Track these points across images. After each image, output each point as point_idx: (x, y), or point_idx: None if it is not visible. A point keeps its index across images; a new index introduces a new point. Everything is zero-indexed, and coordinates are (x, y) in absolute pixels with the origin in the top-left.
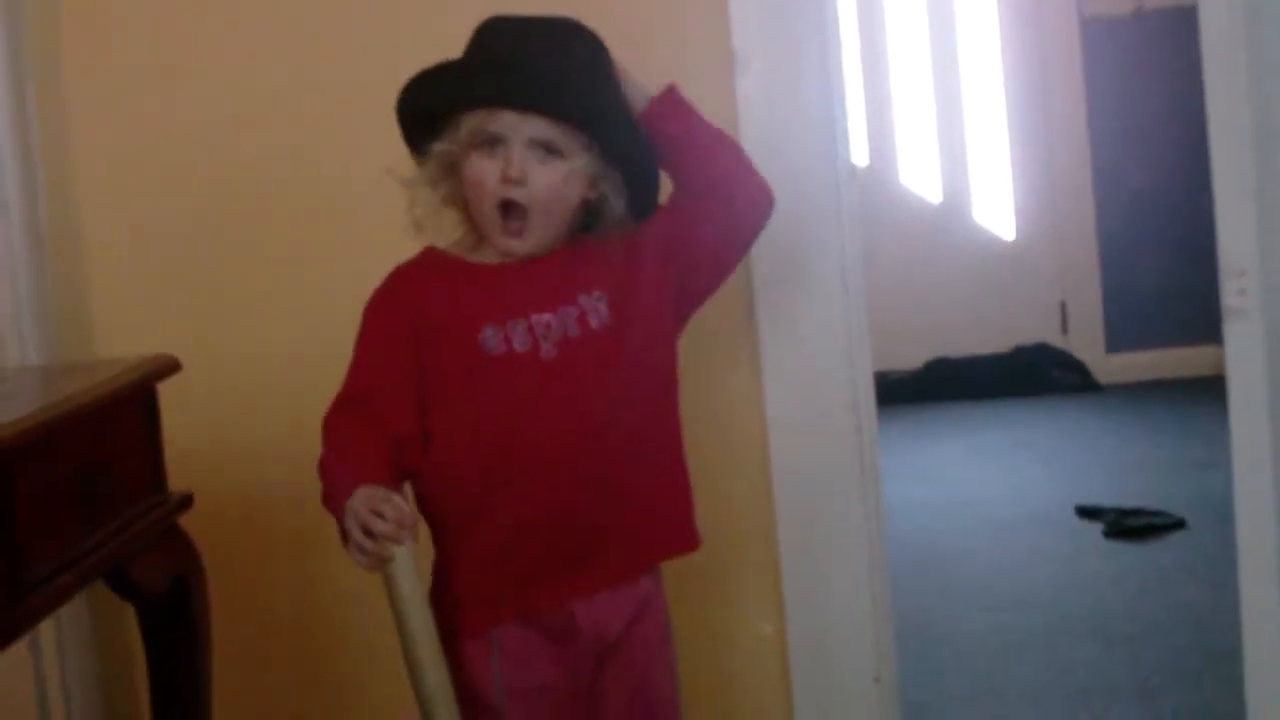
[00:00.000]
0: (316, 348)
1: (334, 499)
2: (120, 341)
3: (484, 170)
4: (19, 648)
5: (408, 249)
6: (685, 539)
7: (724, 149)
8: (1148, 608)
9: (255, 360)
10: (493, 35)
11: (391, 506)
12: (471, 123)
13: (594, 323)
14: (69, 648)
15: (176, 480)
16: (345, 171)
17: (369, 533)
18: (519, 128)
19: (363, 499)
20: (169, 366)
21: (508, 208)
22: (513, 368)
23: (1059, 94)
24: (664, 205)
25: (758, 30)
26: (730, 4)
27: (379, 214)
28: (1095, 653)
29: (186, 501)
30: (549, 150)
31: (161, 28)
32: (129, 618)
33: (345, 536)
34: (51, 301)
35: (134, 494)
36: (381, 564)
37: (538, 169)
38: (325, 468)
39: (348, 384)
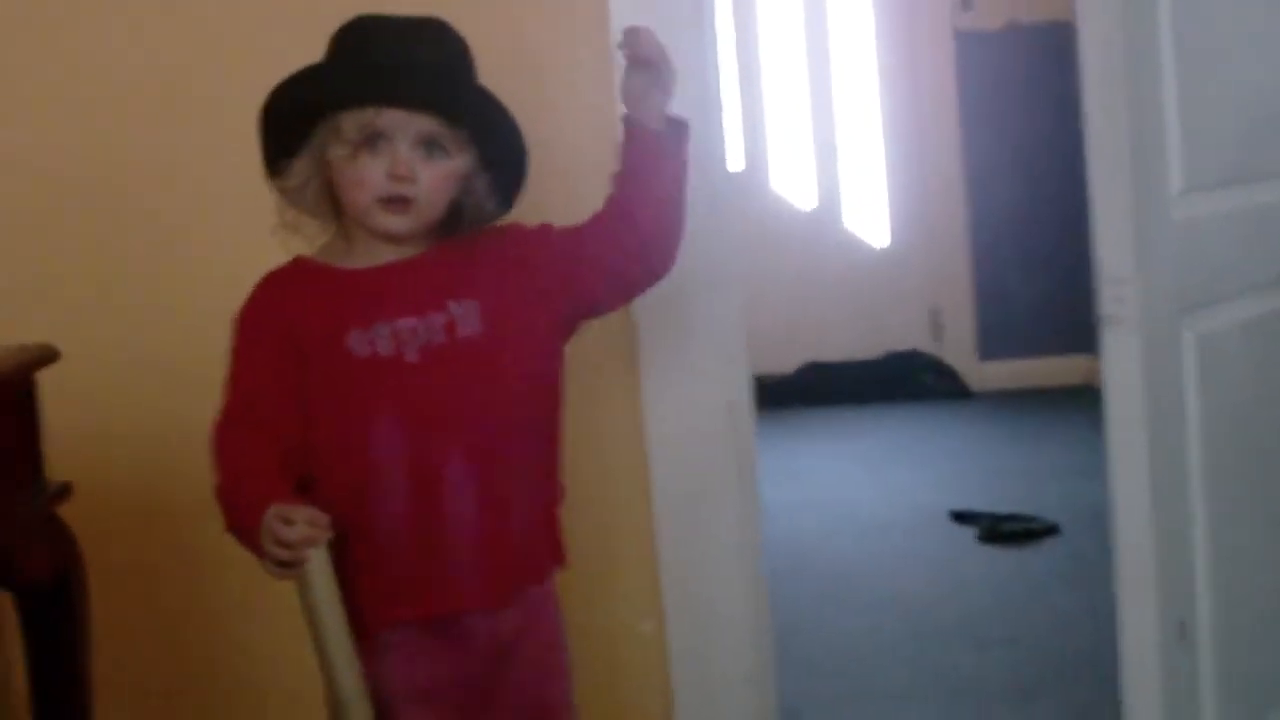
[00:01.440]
0: (192, 338)
1: (243, 521)
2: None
3: (367, 167)
4: None
5: (274, 240)
6: (558, 555)
7: (678, 201)
8: (1022, 611)
9: (133, 350)
10: (367, 34)
11: (300, 512)
12: (359, 120)
13: (463, 330)
14: None
15: (55, 469)
16: (222, 164)
17: (282, 543)
18: (406, 125)
19: (271, 514)
20: (48, 355)
21: (394, 201)
22: (376, 372)
23: (932, 104)
24: (570, 226)
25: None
26: (610, 3)
27: (244, 203)
28: (970, 656)
29: (65, 491)
30: (432, 148)
31: (36, 19)
32: (3, 613)
33: (259, 553)
34: None
35: (11, 484)
36: (297, 570)
37: (423, 166)
38: (226, 491)
39: (230, 398)
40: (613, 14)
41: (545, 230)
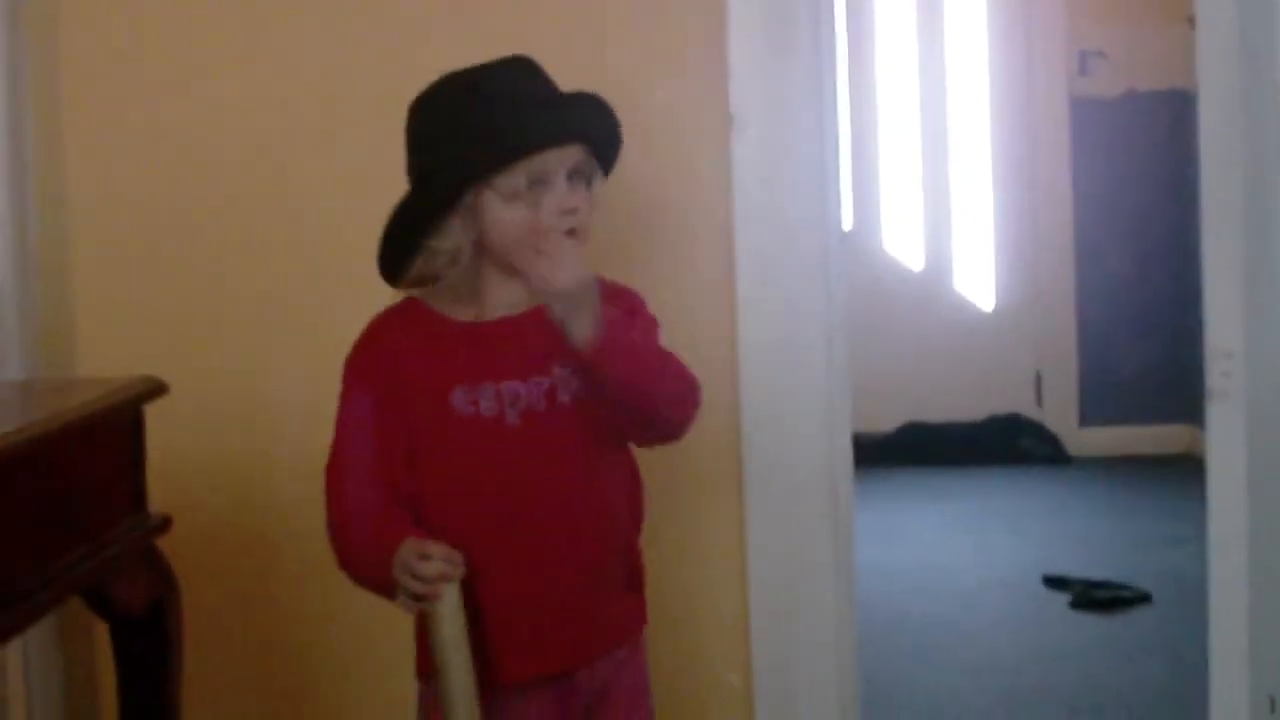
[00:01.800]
0: (301, 373)
1: (368, 555)
2: (103, 361)
3: (531, 213)
4: None
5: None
6: (644, 615)
7: (651, 391)
8: (1111, 679)
9: (239, 383)
10: (479, 87)
11: (437, 548)
12: (527, 166)
13: (562, 397)
14: (35, 666)
15: (158, 501)
16: (338, 200)
17: (417, 577)
18: (560, 161)
19: (407, 548)
20: (156, 389)
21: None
22: (478, 432)
23: (1045, 169)
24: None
25: (755, 93)
26: (730, 65)
27: (369, 241)
28: None
29: (165, 524)
30: (576, 178)
31: (157, 49)
32: (97, 638)
33: (386, 592)
34: (37, 319)
35: (113, 514)
36: (430, 604)
37: (579, 198)
38: (343, 528)
39: (341, 446)
40: (732, 79)
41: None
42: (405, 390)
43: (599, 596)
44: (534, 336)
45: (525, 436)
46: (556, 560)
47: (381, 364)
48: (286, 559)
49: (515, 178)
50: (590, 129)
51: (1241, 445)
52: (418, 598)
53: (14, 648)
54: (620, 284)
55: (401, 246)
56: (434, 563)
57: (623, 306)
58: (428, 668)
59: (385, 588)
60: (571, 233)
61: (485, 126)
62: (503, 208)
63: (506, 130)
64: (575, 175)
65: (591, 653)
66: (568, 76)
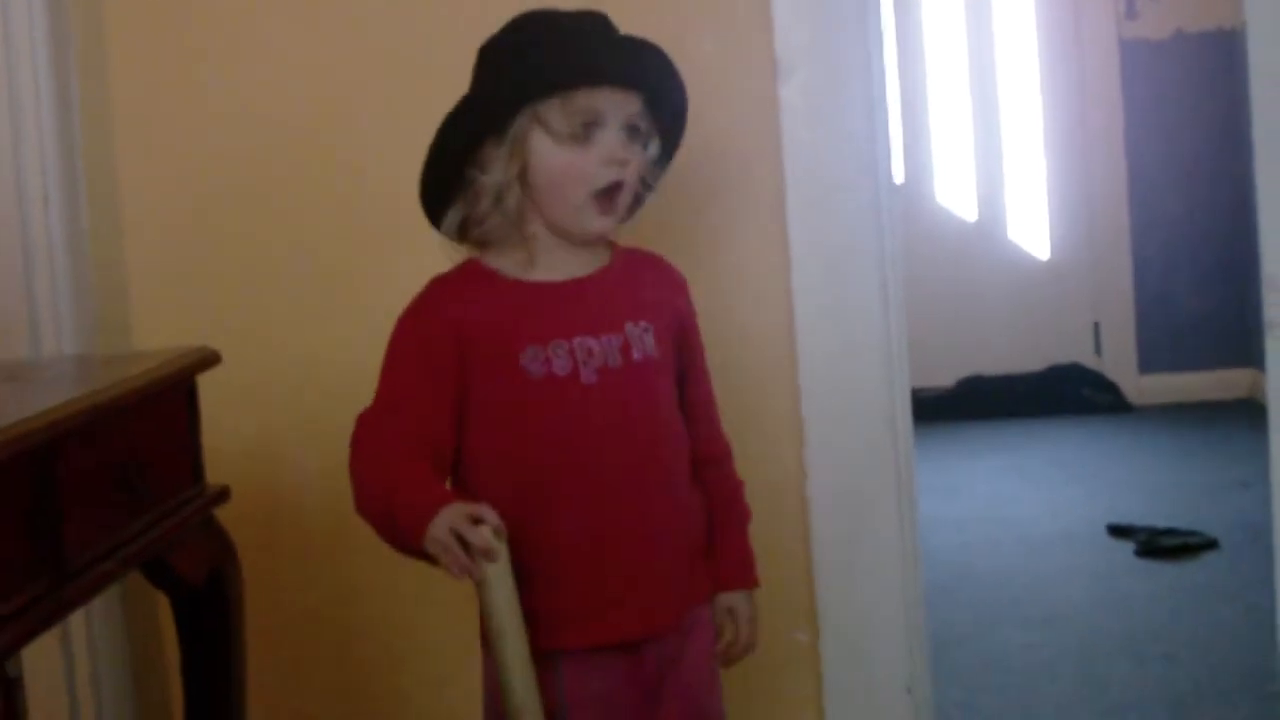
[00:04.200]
0: (354, 343)
1: (413, 520)
2: (157, 334)
3: (584, 158)
4: (48, 638)
5: (449, 247)
6: (708, 582)
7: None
8: (1181, 627)
9: (292, 354)
10: (556, 21)
11: (490, 515)
12: (578, 105)
13: (636, 354)
14: (99, 638)
15: (212, 473)
16: (390, 167)
17: (465, 544)
18: (619, 109)
19: (455, 512)
20: (210, 359)
21: (610, 191)
22: (553, 392)
23: (1097, 114)
24: (702, 373)
25: (801, 39)
26: (774, 11)
27: (409, 204)
28: (1128, 670)
29: (223, 494)
30: (634, 133)
31: (205, 21)
32: (159, 610)
33: (423, 555)
34: (91, 293)
35: (172, 486)
36: (477, 572)
37: (631, 154)
38: (378, 494)
39: (383, 396)
40: (777, 24)
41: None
42: (463, 349)
43: (675, 560)
44: (602, 295)
45: (603, 393)
46: (633, 521)
47: (438, 322)
48: (338, 528)
49: (568, 116)
50: (651, 79)
51: None
52: (462, 566)
53: (78, 623)
54: (670, 267)
55: (443, 172)
56: (483, 531)
57: (681, 299)
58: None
59: (397, 541)
60: (613, 190)
61: (544, 53)
62: (551, 146)
63: (564, 61)
64: (632, 131)
65: (665, 619)
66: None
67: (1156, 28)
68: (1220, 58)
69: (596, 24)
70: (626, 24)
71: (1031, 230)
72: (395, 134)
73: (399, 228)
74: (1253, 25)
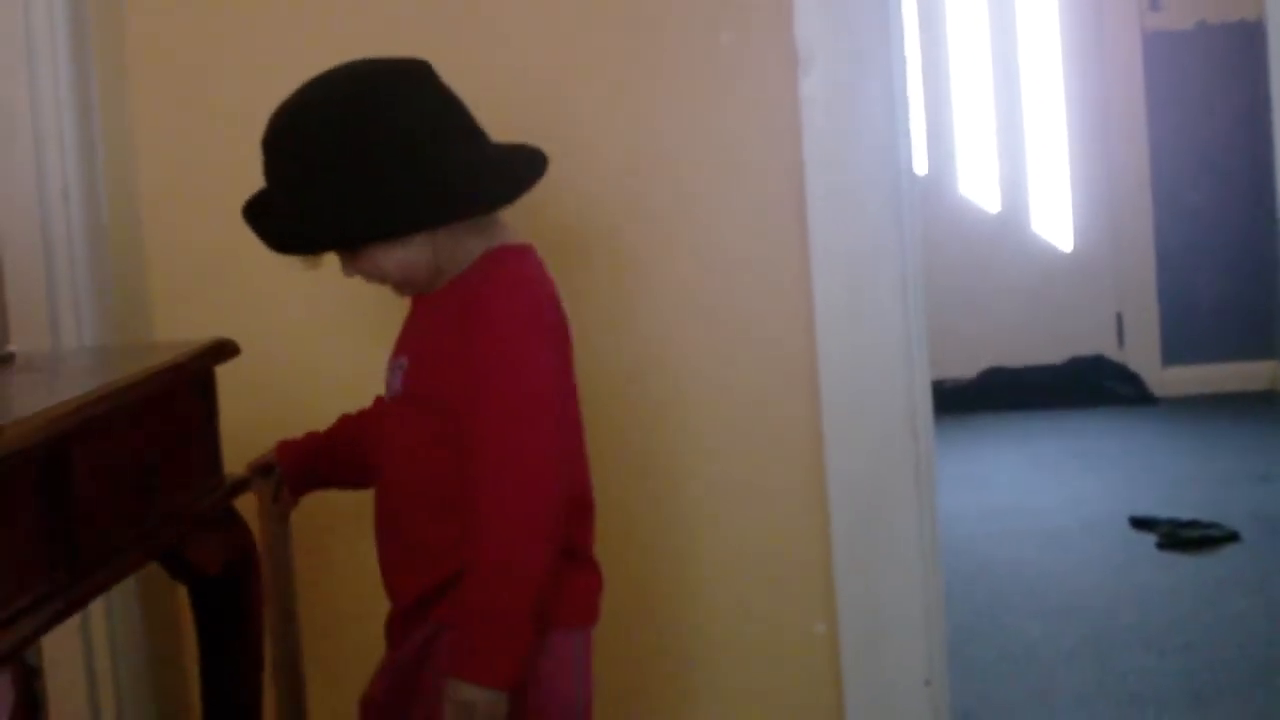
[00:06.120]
0: (373, 335)
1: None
2: (176, 326)
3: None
4: (68, 628)
5: None
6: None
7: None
8: (1200, 619)
9: (311, 345)
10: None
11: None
12: None
13: (398, 384)
14: (119, 627)
15: (230, 464)
16: None
17: None
18: None
19: None
20: (228, 350)
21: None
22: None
23: (1120, 106)
24: (484, 428)
25: (821, 30)
26: (794, 2)
27: None
28: (1147, 662)
29: (242, 485)
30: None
31: (223, 18)
32: (178, 600)
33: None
34: (110, 286)
35: (191, 477)
36: None
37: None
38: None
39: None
40: (797, 15)
41: (487, 366)
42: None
43: (403, 594)
44: (416, 318)
45: (381, 418)
46: (380, 549)
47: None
48: (356, 517)
49: None
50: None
51: None
52: None
53: (97, 613)
54: (478, 299)
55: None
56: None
57: (472, 336)
58: None
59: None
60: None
61: (442, 178)
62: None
63: (467, 190)
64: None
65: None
66: (630, 22)
67: (1179, 19)
68: (1243, 49)
69: (454, 112)
70: (645, 18)
71: (1054, 222)
72: None
73: None
74: (1274, 16)
